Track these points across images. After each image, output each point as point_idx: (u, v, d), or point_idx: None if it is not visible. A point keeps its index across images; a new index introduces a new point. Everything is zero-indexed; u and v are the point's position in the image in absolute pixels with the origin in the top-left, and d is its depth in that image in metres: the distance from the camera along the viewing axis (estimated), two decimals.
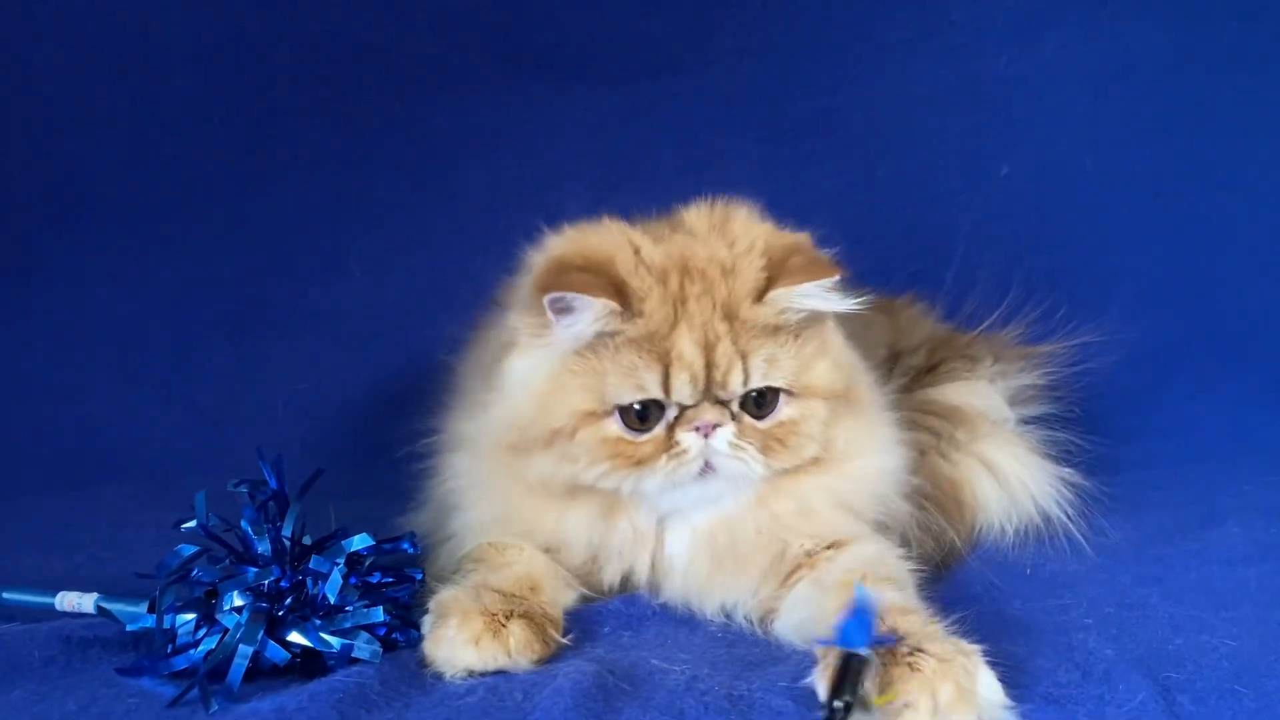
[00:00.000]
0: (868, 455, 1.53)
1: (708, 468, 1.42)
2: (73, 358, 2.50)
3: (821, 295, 1.45)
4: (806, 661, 1.27)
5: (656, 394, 1.41)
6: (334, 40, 2.54)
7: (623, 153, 2.56)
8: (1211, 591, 1.56)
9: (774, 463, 1.44)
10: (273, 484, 1.40)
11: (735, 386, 1.42)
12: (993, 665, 1.28)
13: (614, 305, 1.40)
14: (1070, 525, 1.77)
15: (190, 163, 2.56)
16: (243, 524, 1.38)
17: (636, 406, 1.41)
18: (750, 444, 1.42)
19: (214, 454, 2.33)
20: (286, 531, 1.37)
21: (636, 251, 1.45)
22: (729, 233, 1.50)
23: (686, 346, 1.40)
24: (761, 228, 1.52)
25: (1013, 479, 1.82)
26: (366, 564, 1.40)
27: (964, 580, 1.59)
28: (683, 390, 1.40)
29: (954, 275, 2.27)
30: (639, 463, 1.41)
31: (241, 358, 2.52)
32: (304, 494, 1.42)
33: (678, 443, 1.40)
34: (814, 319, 1.48)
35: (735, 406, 1.43)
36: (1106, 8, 2.57)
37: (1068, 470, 1.84)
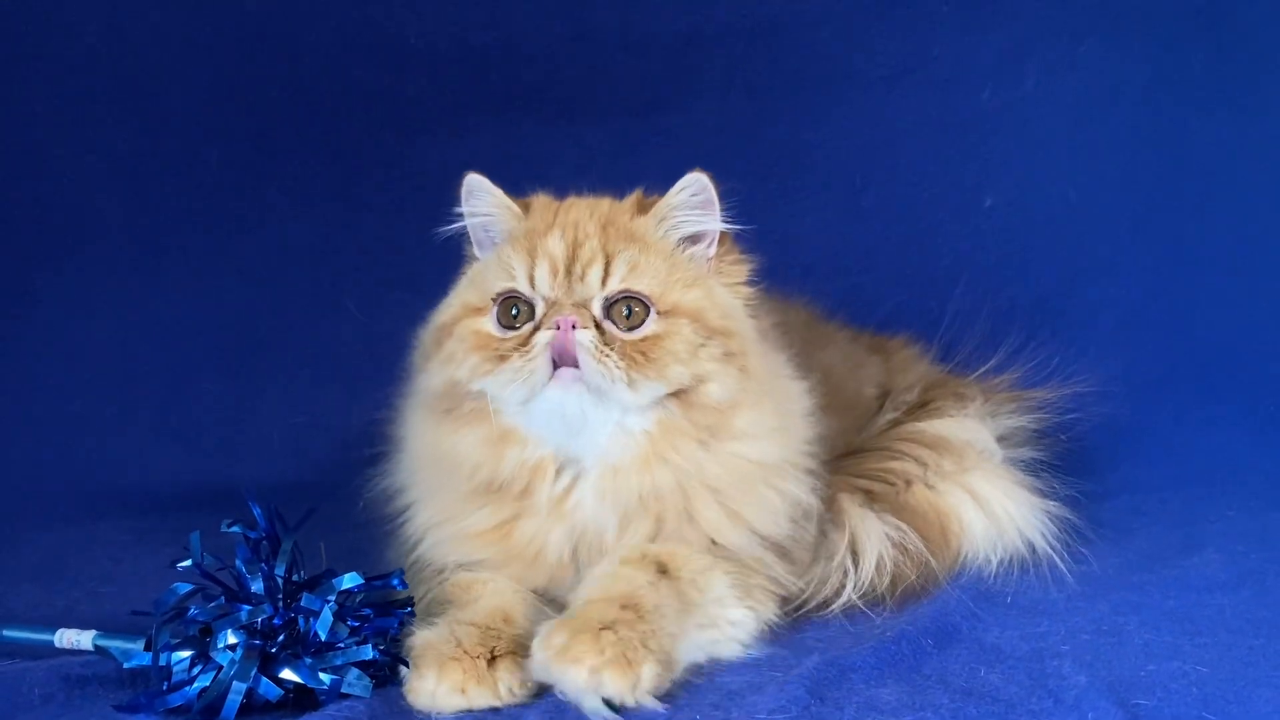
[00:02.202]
0: (749, 440, 1.53)
1: (561, 364, 1.43)
2: (70, 394, 2.53)
3: (699, 215, 1.55)
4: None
5: (522, 284, 1.50)
6: (329, 82, 2.60)
7: (610, 187, 2.59)
8: (1188, 618, 1.58)
9: (637, 375, 1.44)
10: (262, 524, 1.43)
11: (593, 281, 1.48)
12: (967, 694, 1.32)
13: (510, 202, 1.58)
14: (1053, 555, 1.78)
15: (187, 201, 2.61)
16: (237, 563, 1.41)
17: (503, 300, 1.50)
18: (613, 350, 1.44)
19: (211, 488, 2.35)
20: (279, 570, 1.40)
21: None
22: None
23: (554, 241, 1.51)
24: None
25: (998, 509, 1.83)
26: (357, 600, 1.43)
27: (944, 609, 1.60)
28: (543, 280, 1.49)
29: (952, 312, 2.31)
30: (501, 358, 1.47)
31: (237, 393, 2.55)
32: (296, 532, 1.45)
33: (532, 340, 1.45)
34: (697, 257, 1.56)
35: (598, 311, 1.48)
36: (1085, 42, 2.62)
37: (1054, 503, 1.86)
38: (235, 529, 1.43)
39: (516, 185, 2.70)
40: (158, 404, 2.53)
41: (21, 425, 2.49)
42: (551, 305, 1.48)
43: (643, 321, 1.48)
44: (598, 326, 1.46)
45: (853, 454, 1.89)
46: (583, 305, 1.47)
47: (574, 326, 1.43)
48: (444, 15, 2.59)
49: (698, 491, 1.52)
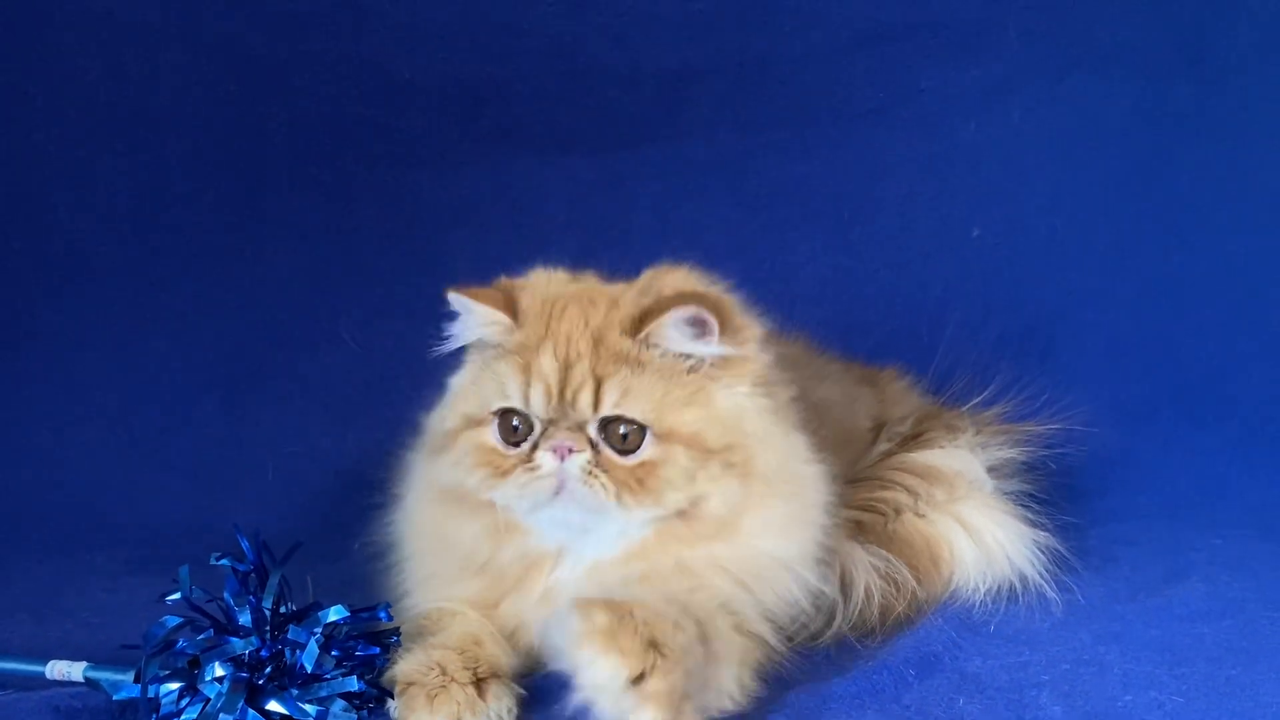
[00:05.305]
0: (760, 536, 1.52)
1: (563, 489, 1.45)
2: (65, 424, 2.54)
3: (690, 342, 1.49)
4: None
5: (517, 402, 1.48)
6: (324, 115, 2.63)
7: (602, 221, 2.63)
8: (1168, 648, 1.59)
9: (631, 501, 1.45)
10: (251, 557, 1.45)
11: (584, 407, 1.46)
12: None
13: (498, 315, 1.52)
14: (1043, 584, 1.79)
15: (183, 233, 2.63)
16: (225, 596, 1.43)
17: (502, 414, 1.49)
18: (605, 475, 1.44)
19: (205, 518, 2.35)
20: (267, 603, 1.42)
21: (547, 283, 1.57)
22: (648, 282, 1.56)
23: (546, 360, 1.48)
24: (681, 278, 1.57)
25: (989, 539, 1.84)
26: (343, 632, 1.45)
27: (927, 638, 1.61)
28: (537, 402, 1.47)
29: (946, 341, 2.33)
30: (504, 474, 1.47)
31: (232, 423, 2.56)
32: (283, 565, 1.47)
33: (534, 460, 1.46)
34: (696, 368, 1.50)
35: (593, 434, 1.46)
36: (1070, 76, 2.64)
37: (1043, 533, 1.87)
38: (224, 562, 1.45)
39: (510, 217, 2.73)
40: (152, 436, 2.54)
41: (15, 456, 2.50)
42: (549, 424, 1.48)
43: (639, 445, 1.46)
44: (595, 447, 1.46)
45: (845, 484, 1.90)
46: (578, 428, 1.46)
47: (571, 450, 1.44)
48: (437, 52, 2.62)
49: (703, 569, 1.51)
